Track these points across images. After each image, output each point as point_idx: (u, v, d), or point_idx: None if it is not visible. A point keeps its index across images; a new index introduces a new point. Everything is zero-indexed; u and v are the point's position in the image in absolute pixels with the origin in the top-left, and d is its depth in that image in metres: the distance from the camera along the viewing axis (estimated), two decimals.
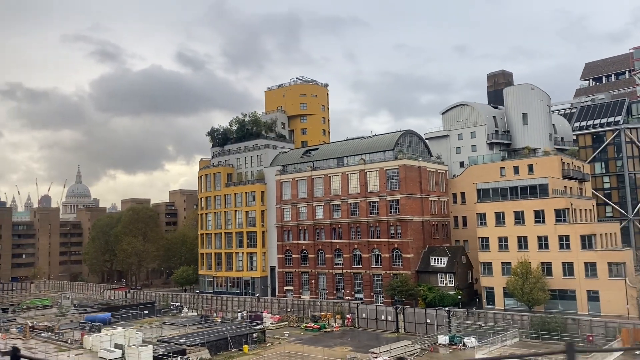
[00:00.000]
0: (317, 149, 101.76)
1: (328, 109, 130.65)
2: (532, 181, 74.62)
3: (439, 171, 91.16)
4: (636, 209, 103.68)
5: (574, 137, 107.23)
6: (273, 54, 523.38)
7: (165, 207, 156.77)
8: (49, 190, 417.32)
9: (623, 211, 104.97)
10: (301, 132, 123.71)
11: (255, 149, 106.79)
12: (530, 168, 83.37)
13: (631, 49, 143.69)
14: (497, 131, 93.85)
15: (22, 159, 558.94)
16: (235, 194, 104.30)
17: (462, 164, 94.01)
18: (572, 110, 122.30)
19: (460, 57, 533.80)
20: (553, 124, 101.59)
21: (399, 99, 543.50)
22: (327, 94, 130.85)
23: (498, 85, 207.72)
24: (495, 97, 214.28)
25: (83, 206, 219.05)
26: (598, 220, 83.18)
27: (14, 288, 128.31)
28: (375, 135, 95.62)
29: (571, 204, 70.18)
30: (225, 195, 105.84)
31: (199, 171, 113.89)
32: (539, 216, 70.76)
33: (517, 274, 67.43)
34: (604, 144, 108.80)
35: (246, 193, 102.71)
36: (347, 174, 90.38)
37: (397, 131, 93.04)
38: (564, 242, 68.50)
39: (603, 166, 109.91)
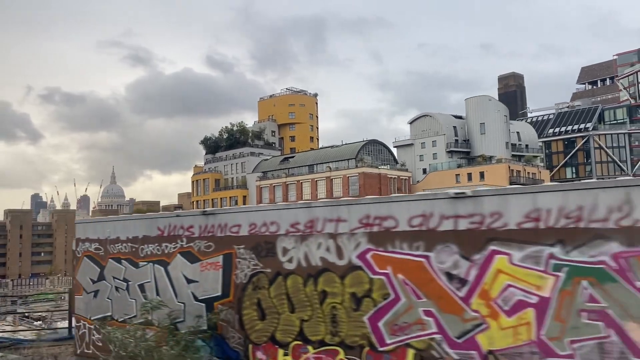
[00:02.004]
0: (293, 156, 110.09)
1: (317, 117, 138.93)
2: (470, 188, 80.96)
3: (401, 177, 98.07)
4: None
5: (540, 144, 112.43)
6: (299, 56, 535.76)
7: (174, 209, 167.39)
8: (86, 191, 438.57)
9: None
10: (290, 140, 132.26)
11: (240, 156, 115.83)
12: (482, 175, 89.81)
13: (614, 55, 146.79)
14: (457, 140, 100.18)
15: (62, 160, 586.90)
16: (220, 198, 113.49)
17: (424, 171, 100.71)
18: (550, 117, 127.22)
19: (487, 55, 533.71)
20: (518, 132, 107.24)
21: (428, 98, 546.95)
22: (316, 103, 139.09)
23: (509, 87, 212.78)
24: (507, 99, 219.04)
25: (118, 206, 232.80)
26: None
27: (30, 283, 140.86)
28: (344, 144, 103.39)
29: None
30: (212, 199, 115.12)
31: (192, 176, 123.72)
32: None
33: None
34: (574, 150, 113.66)
35: (230, 197, 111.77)
36: (316, 181, 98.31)
37: (362, 141, 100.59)
38: None
39: (573, 171, 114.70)
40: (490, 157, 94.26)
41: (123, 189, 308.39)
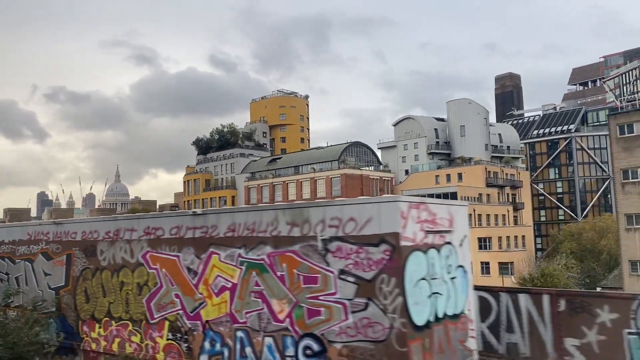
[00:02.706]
0: (280, 158, 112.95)
1: (308, 118, 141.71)
2: (445, 189, 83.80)
3: (384, 178, 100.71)
4: (585, 212, 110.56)
5: (522, 146, 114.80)
6: (303, 55, 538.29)
7: (170, 208, 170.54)
8: (91, 189, 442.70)
9: (573, 214, 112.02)
10: (281, 141, 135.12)
11: (230, 157, 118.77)
12: (460, 176, 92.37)
13: (601, 57, 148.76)
14: (437, 142, 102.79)
15: (69, 158, 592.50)
16: (210, 198, 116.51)
17: (407, 172, 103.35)
18: (536, 118, 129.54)
19: (491, 55, 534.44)
20: (499, 134, 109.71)
21: (432, 97, 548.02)
22: (307, 105, 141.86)
23: (505, 88, 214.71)
24: (503, 99, 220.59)
25: (122, 205, 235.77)
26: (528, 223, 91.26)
27: None
28: (329, 146, 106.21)
29: (474, 210, 79.08)
30: (202, 199, 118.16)
31: (184, 176, 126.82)
32: None
33: None
34: (557, 151, 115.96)
35: (219, 197, 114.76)
36: (301, 181, 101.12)
37: (345, 143, 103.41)
38: None
39: (556, 172, 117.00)
40: (469, 159, 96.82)
41: (129, 187, 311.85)
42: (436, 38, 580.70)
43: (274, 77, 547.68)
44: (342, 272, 7.75)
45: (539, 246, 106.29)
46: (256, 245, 8.64)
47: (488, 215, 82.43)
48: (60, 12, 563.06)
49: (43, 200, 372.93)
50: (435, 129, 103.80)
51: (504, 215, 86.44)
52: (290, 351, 8.15)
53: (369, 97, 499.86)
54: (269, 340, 8.39)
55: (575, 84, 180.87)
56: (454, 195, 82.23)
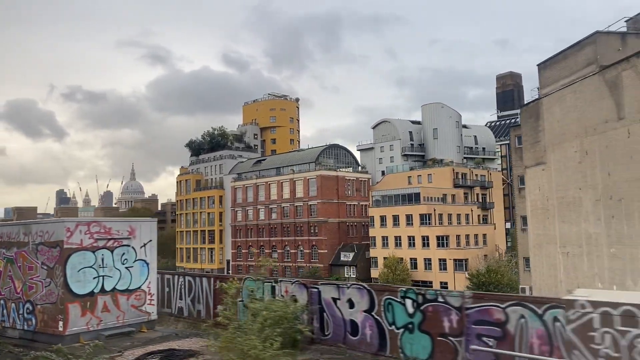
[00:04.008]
0: (265, 159, 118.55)
1: (298, 120, 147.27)
2: (409, 190, 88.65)
3: (360, 179, 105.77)
4: None
5: (498, 147, 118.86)
6: (314, 53, 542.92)
7: (171, 207, 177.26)
8: (107, 187, 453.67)
9: None
10: (271, 142, 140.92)
11: (220, 158, 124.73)
12: (430, 177, 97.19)
13: None
14: (412, 144, 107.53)
15: (87, 156, 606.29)
16: (200, 197, 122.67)
17: (383, 173, 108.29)
18: (517, 119, 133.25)
19: (503, 51, 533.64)
20: (475, 136, 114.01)
21: (445, 94, 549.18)
22: (297, 108, 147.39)
23: (506, 87, 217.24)
24: (504, 98, 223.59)
25: (127, 203, 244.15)
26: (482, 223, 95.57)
27: None
28: (309, 148, 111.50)
29: (434, 210, 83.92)
30: (193, 198, 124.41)
31: (177, 177, 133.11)
32: (409, 220, 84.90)
33: (387, 267, 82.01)
34: None
35: (208, 197, 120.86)
36: (282, 182, 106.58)
37: (324, 145, 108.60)
38: (426, 242, 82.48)
39: None
40: (441, 160, 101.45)
41: (145, 184, 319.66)
42: (447, 35, 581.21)
43: (286, 75, 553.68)
44: (42, 263, 13.20)
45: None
46: (10, 247, 14.12)
47: (450, 215, 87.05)
48: (74, 12, 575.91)
49: (62, 198, 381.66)
50: (410, 132, 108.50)
51: (467, 215, 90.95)
52: (21, 310, 13.65)
53: (382, 94, 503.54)
54: (13, 304, 13.89)
55: None
56: (417, 196, 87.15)
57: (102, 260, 13.41)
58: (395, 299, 10.49)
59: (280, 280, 12.63)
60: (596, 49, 30.40)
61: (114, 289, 13.58)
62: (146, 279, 14.36)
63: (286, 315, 10.52)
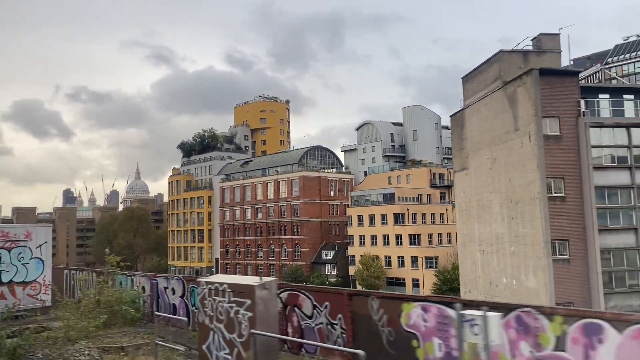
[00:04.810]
0: (252, 160, 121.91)
1: (288, 122, 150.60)
2: (385, 190, 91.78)
3: (343, 180, 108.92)
4: None
5: None
6: (318, 53, 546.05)
7: (167, 206, 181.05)
8: (113, 186, 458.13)
9: None
10: (262, 143, 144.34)
11: (209, 160, 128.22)
12: (408, 178, 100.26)
13: (570, 60, 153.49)
14: (393, 145, 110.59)
15: (94, 156, 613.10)
16: (190, 198, 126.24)
17: (365, 173, 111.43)
18: None
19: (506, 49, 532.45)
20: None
21: (450, 92, 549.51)
22: (287, 109, 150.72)
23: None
24: None
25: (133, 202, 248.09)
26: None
27: None
28: (294, 149, 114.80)
29: (407, 209, 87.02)
30: (184, 199, 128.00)
31: (169, 177, 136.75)
32: (384, 219, 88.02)
33: (362, 264, 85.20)
34: None
35: (198, 197, 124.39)
36: (267, 183, 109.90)
37: (309, 147, 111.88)
38: (399, 240, 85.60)
39: None
40: (420, 161, 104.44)
41: (151, 184, 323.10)
42: (450, 33, 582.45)
43: (290, 74, 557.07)
44: None
45: None
46: None
47: (424, 214, 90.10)
48: (78, 13, 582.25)
49: (68, 197, 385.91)
50: (391, 134, 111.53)
51: (442, 214, 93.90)
52: None
53: (387, 93, 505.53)
54: None
55: None
56: (392, 196, 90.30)
57: (0, 258, 16.73)
58: (196, 286, 13.73)
59: (136, 274, 15.91)
60: (500, 66, 33.50)
61: (10, 281, 16.89)
62: (41, 273, 17.67)
63: (121, 300, 13.77)
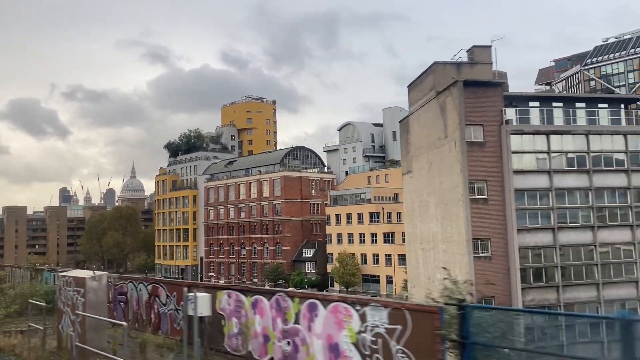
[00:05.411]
0: (236, 160, 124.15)
1: (275, 122, 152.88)
2: (361, 190, 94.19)
3: (324, 179, 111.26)
4: None
5: None
6: (314, 51, 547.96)
7: None
8: (108, 185, 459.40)
9: None
10: (248, 143, 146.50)
11: (195, 159, 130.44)
12: (387, 177, 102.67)
13: (552, 61, 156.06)
14: (373, 146, 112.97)
15: (91, 154, 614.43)
16: (175, 197, 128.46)
17: (346, 173, 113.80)
18: None
19: (500, 48, 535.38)
20: None
21: None
22: (274, 110, 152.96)
23: None
24: None
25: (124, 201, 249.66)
26: None
27: None
28: (276, 150, 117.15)
29: (382, 209, 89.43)
30: (169, 198, 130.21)
31: (155, 177, 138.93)
32: (360, 218, 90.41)
33: (339, 262, 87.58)
34: None
35: (183, 197, 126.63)
36: (250, 183, 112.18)
37: (291, 147, 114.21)
38: (374, 238, 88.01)
39: None
40: (398, 161, 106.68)
41: (147, 182, 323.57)
42: (445, 32, 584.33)
43: (286, 72, 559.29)
44: None
45: None
46: None
47: (399, 213, 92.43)
48: (74, 12, 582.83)
49: (65, 196, 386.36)
50: (372, 134, 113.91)
51: None
52: None
53: (384, 92, 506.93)
54: None
55: (541, 84, 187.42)
56: (368, 197, 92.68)
57: None
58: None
59: (57, 271, 18.24)
60: (434, 77, 35.86)
61: None
62: None
63: (36, 293, 16.05)
